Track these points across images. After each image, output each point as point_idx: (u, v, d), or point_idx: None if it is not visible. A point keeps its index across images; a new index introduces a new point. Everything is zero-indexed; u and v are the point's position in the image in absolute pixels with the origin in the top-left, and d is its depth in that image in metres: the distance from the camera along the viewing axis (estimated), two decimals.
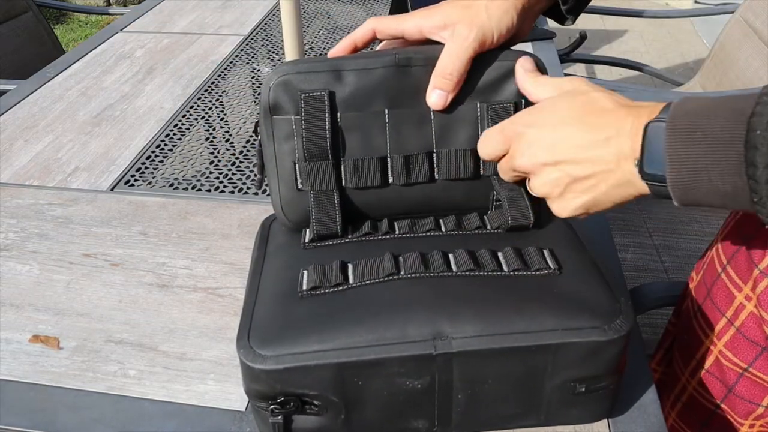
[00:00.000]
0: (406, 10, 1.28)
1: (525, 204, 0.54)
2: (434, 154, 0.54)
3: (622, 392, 0.53)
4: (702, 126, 0.39)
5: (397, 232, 0.55)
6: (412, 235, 0.55)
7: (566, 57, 1.74)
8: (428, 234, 0.55)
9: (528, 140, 0.48)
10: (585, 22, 3.15)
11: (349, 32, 1.45)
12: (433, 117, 0.54)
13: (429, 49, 0.53)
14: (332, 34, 1.34)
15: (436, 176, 0.55)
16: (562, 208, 0.48)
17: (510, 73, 0.53)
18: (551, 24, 1.39)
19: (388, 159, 0.54)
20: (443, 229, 0.55)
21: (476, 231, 0.55)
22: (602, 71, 2.89)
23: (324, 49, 1.27)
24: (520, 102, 0.54)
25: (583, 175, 0.45)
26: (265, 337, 0.47)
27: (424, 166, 0.54)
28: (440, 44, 0.53)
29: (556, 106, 0.48)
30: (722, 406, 0.65)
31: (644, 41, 3.36)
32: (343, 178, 0.54)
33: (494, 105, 0.53)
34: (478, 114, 0.54)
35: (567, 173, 0.46)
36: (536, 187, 0.49)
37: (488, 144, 0.51)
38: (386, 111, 0.53)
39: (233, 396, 0.56)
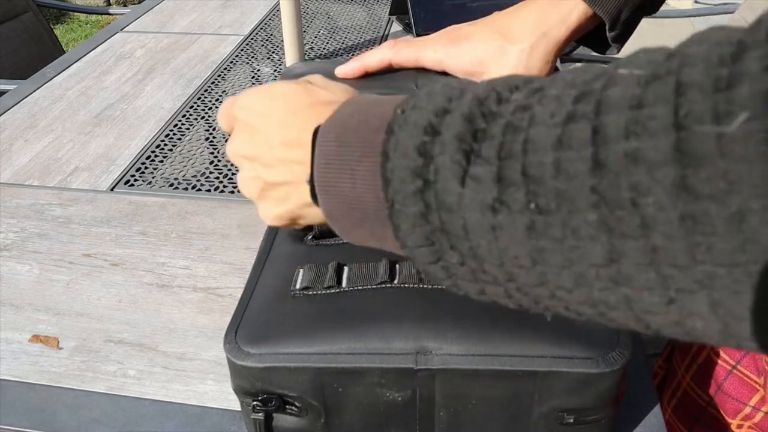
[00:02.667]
0: (406, 11, 1.28)
1: None
2: None
3: (618, 426, 0.51)
4: (346, 135, 0.32)
5: None
6: None
7: (566, 57, 1.74)
8: None
9: (238, 125, 0.40)
10: None
11: (349, 32, 1.45)
12: None
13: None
14: (332, 34, 1.34)
15: None
16: (265, 213, 0.41)
17: None
18: None
19: None
20: None
21: None
22: None
23: (324, 49, 1.27)
24: None
25: (274, 181, 0.38)
26: (252, 334, 0.47)
27: None
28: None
29: (272, 90, 0.40)
30: (713, 402, 0.65)
31: (644, 41, 3.36)
32: None
33: None
34: None
35: (260, 175, 0.39)
36: (239, 183, 0.41)
37: (220, 116, 0.44)
38: None
39: (233, 396, 0.56)
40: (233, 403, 0.56)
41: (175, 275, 0.70)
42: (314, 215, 0.37)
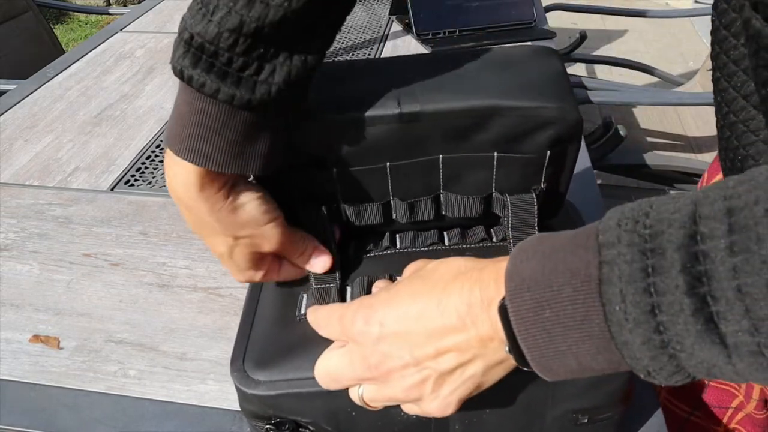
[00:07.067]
0: (406, 11, 1.28)
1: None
2: (441, 196, 0.50)
3: (629, 421, 0.52)
4: (548, 300, 0.31)
5: (398, 246, 0.53)
6: (414, 249, 0.53)
7: (566, 57, 1.74)
8: (430, 248, 0.53)
9: (378, 340, 0.38)
10: (585, 22, 3.16)
11: (349, 32, 1.44)
12: (442, 165, 0.48)
13: (437, 97, 0.46)
14: None
15: (443, 213, 0.51)
16: (445, 405, 0.38)
17: (539, 124, 0.45)
18: (551, 24, 1.39)
19: (391, 201, 0.50)
20: (447, 242, 0.53)
21: (481, 244, 0.52)
22: (602, 71, 2.89)
23: None
24: (545, 155, 0.46)
25: (447, 368, 0.37)
26: (260, 361, 0.46)
27: (430, 207, 0.50)
28: (449, 92, 0.46)
29: (398, 287, 0.39)
30: (695, 413, 0.65)
31: (644, 41, 3.37)
32: (342, 214, 0.51)
33: (513, 155, 0.47)
34: (495, 162, 0.48)
35: (427, 374, 0.37)
36: (400, 394, 0.39)
37: (324, 325, 0.43)
38: (387, 164, 0.48)
39: (233, 396, 0.56)
40: (233, 403, 0.56)
41: (176, 275, 0.70)
42: (498, 373, 0.37)
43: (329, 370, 0.41)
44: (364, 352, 0.39)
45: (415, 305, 0.37)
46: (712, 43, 0.47)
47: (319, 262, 0.49)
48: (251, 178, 0.46)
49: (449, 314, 0.36)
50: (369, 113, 0.45)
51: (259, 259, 0.47)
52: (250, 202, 0.44)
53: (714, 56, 0.47)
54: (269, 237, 0.46)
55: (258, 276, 0.48)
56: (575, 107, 0.44)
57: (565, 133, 0.45)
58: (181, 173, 0.42)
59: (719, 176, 0.61)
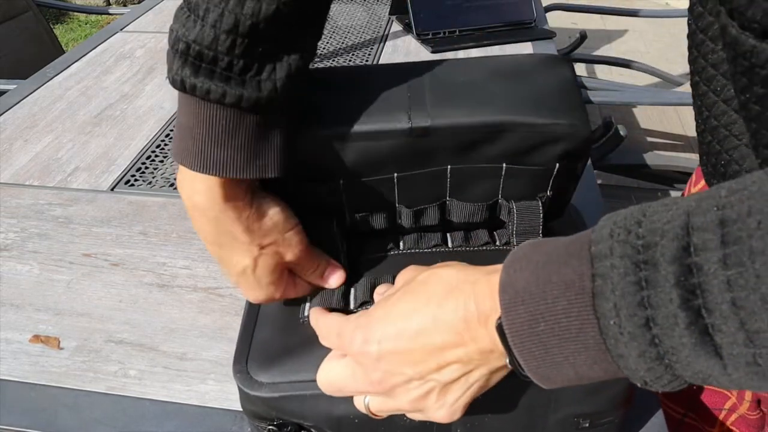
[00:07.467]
0: (406, 10, 1.28)
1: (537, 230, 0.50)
2: (447, 202, 0.50)
3: (630, 422, 0.52)
4: (542, 313, 0.31)
5: (402, 247, 0.53)
6: (417, 250, 0.52)
7: (566, 57, 1.74)
8: (434, 249, 0.52)
9: (378, 359, 0.38)
10: (585, 22, 3.15)
11: (349, 32, 1.44)
12: (449, 175, 0.47)
13: (448, 111, 0.45)
14: (332, 34, 1.34)
15: (448, 218, 0.51)
16: (452, 412, 0.39)
17: (549, 140, 0.45)
18: (551, 24, 1.39)
19: (397, 208, 0.50)
20: (450, 244, 0.53)
21: (484, 247, 0.52)
22: (602, 71, 2.89)
23: (324, 49, 1.27)
24: (553, 167, 0.46)
25: (451, 378, 0.37)
26: (263, 363, 0.46)
27: (435, 214, 0.50)
28: (460, 106, 0.45)
29: (392, 302, 0.39)
30: (690, 414, 0.65)
31: (644, 41, 3.37)
32: (346, 222, 0.50)
33: (522, 167, 0.46)
34: (503, 173, 0.47)
35: (431, 386, 0.38)
36: (405, 405, 0.39)
37: (324, 336, 0.43)
38: (395, 175, 0.47)
39: (234, 396, 0.56)
40: (234, 403, 0.56)
41: (176, 275, 0.70)
42: (502, 374, 0.38)
43: (331, 380, 0.41)
44: (366, 370, 0.39)
45: (412, 322, 0.37)
46: (689, 47, 0.47)
47: (334, 278, 0.49)
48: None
49: (446, 331, 0.36)
50: (379, 127, 0.44)
51: (280, 273, 0.47)
52: (273, 208, 0.44)
53: (692, 60, 0.47)
54: (292, 244, 0.45)
55: (278, 293, 0.47)
56: (586, 122, 0.44)
57: (574, 148, 0.45)
58: (203, 187, 0.42)
59: None
